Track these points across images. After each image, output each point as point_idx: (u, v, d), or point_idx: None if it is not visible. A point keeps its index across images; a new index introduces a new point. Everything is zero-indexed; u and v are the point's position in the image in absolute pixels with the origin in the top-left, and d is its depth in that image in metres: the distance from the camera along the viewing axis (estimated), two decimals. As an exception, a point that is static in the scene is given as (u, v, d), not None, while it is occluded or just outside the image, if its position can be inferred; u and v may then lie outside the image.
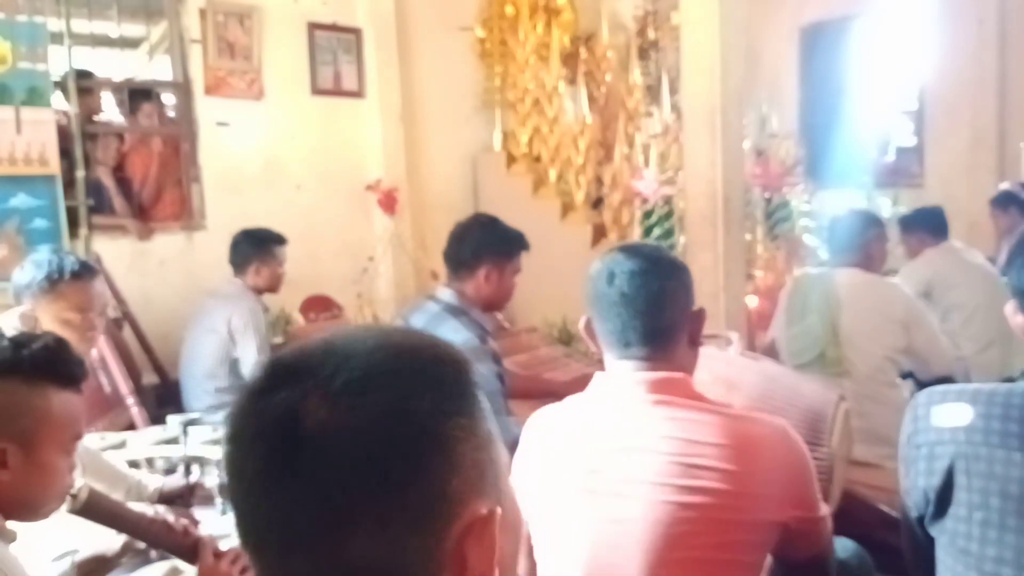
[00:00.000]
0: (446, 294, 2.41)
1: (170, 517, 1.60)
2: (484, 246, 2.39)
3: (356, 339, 0.63)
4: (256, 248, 3.55)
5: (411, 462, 0.58)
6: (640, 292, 1.37)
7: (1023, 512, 1.16)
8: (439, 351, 0.65)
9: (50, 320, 1.94)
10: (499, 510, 0.62)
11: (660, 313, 1.38)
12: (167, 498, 2.02)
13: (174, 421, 2.28)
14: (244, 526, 0.61)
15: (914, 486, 1.29)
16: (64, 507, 1.39)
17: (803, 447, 1.34)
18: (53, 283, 1.98)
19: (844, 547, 1.67)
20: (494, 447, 0.64)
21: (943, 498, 1.24)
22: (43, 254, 2.06)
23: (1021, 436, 1.17)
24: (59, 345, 1.28)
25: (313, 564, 0.57)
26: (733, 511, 1.26)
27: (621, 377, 1.39)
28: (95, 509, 1.49)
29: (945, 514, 1.24)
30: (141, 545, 1.59)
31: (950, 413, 1.25)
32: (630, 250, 1.46)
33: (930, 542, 1.30)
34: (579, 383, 2.86)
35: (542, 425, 1.48)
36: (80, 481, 1.46)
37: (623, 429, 1.33)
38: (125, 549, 1.56)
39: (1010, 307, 1.33)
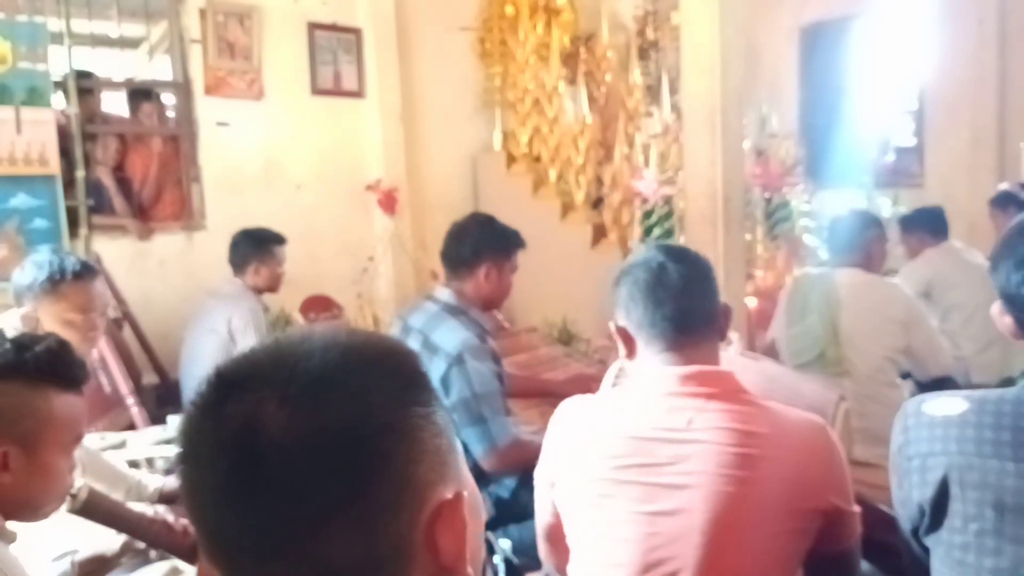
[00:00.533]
0: (444, 294, 2.41)
1: (170, 517, 1.60)
2: (484, 244, 2.39)
3: (303, 342, 0.62)
4: (255, 248, 3.55)
5: (378, 456, 0.59)
6: (696, 276, 1.42)
7: (1020, 522, 1.15)
8: (386, 344, 0.66)
9: (52, 321, 1.94)
10: (465, 493, 0.63)
11: (711, 299, 1.44)
12: (167, 498, 2.02)
13: (174, 421, 2.28)
14: (211, 539, 0.60)
15: (908, 499, 1.28)
16: (64, 507, 1.39)
17: (839, 441, 1.39)
18: (55, 284, 1.97)
19: (861, 567, 1.67)
20: (450, 433, 0.65)
21: (938, 510, 1.22)
22: (43, 255, 2.05)
23: (1014, 445, 1.15)
24: (61, 347, 1.28)
25: (293, 568, 0.58)
26: (784, 499, 1.29)
27: (667, 371, 1.40)
28: (95, 509, 1.49)
29: (940, 526, 1.23)
30: (141, 545, 1.59)
31: (943, 406, 1.25)
32: (667, 246, 1.50)
33: (927, 552, 1.29)
34: (575, 382, 2.87)
35: (573, 418, 1.48)
36: (80, 481, 1.46)
37: (676, 422, 1.34)
38: (125, 549, 1.56)
39: (996, 308, 1.30)
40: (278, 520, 0.57)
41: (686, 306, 1.39)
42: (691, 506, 1.29)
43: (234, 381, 0.60)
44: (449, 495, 0.62)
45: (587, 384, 2.78)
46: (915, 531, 1.29)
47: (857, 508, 1.39)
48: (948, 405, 1.25)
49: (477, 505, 0.68)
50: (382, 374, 0.62)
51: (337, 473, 0.57)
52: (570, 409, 1.50)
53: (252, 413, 0.57)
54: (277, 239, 3.61)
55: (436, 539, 0.61)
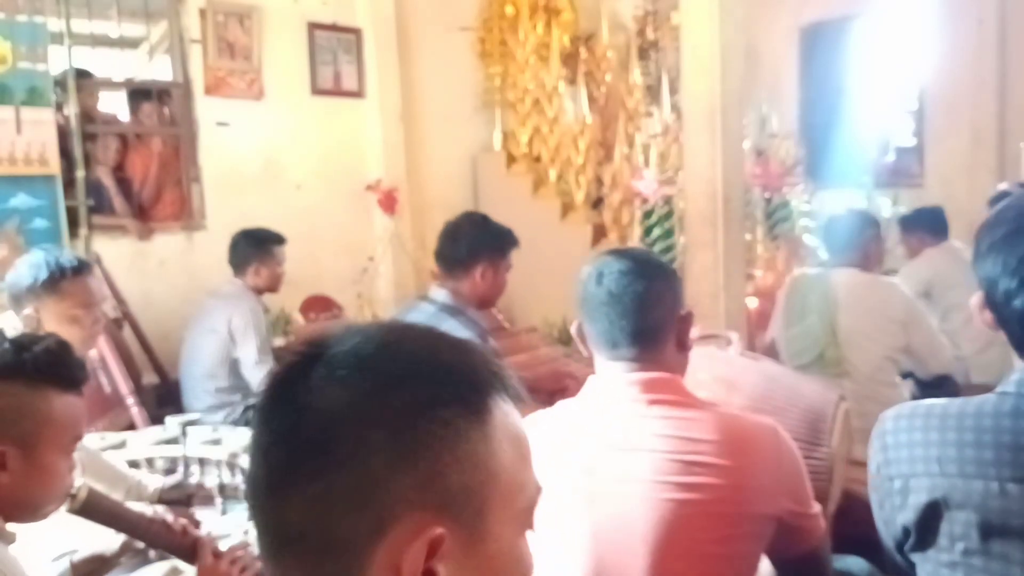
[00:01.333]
0: (440, 294, 2.42)
1: (169, 517, 1.59)
2: (479, 244, 2.41)
3: (374, 326, 0.67)
4: (255, 248, 3.55)
5: (356, 443, 0.59)
6: (626, 291, 1.38)
7: (1007, 541, 1.13)
8: (453, 345, 0.66)
9: (56, 319, 1.93)
10: (470, 539, 0.60)
11: (646, 313, 1.38)
12: (167, 498, 2.02)
13: (173, 422, 2.28)
14: (246, 484, 0.66)
15: (891, 520, 1.25)
16: (63, 507, 1.39)
17: (792, 444, 1.37)
18: (56, 282, 1.97)
19: (860, 566, 1.67)
20: (486, 474, 0.61)
21: (924, 531, 1.20)
22: (36, 256, 2.03)
23: (997, 463, 1.12)
24: (61, 348, 1.28)
25: (264, 515, 0.62)
26: (730, 504, 1.28)
27: (613, 379, 1.40)
28: (94, 509, 1.49)
29: (927, 546, 1.21)
30: (140, 545, 1.58)
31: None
32: (619, 252, 1.48)
33: (912, 565, 1.27)
34: (549, 378, 2.88)
35: (536, 430, 1.49)
36: (79, 480, 1.45)
37: (619, 429, 1.34)
38: (124, 549, 1.55)
39: (977, 300, 1.22)
40: (281, 466, 0.61)
41: (620, 319, 1.38)
42: (633, 515, 1.29)
43: (310, 345, 0.64)
44: (439, 530, 0.58)
45: (560, 379, 2.82)
46: (900, 547, 1.27)
47: (817, 508, 1.38)
48: (927, 406, 1.22)
49: (521, 568, 0.66)
50: (430, 375, 0.61)
51: (319, 445, 0.59)
52: (531, 423, 1.51)
53: (303, 374, 0.62)
54: (277, 239, 3.61)
55: (400, 564, 0.57)
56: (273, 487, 0.61)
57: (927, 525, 1.19)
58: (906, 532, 1.23)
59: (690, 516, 1.27)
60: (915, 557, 1.24)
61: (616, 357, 1.40)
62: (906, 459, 1.20)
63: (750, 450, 1.31)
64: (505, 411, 0.65)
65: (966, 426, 1.16)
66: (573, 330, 1.50)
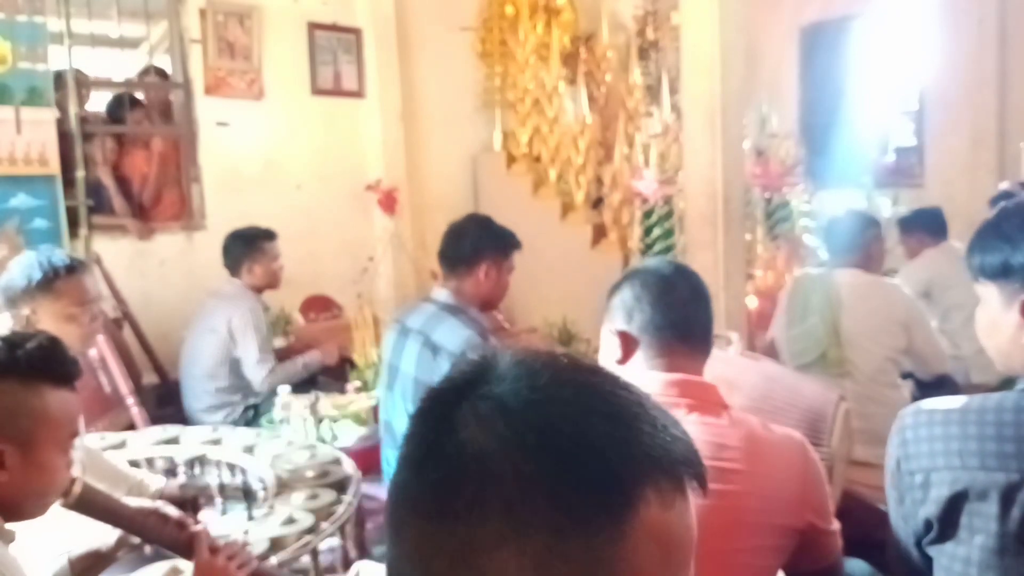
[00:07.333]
0: (442, 294, 2.43)
1: (169, 509, 1.57)
2: (483, 243, 2.43)
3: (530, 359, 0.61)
4: (244, 247, 3.53)
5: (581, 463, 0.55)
6: (701, 293, 1.44)
7: None
8: (631, 423, 0.60)
9: (53, 319, 1.93)
10: None
11: (711, 316, 1.45)
12: (167, 500, 2.01)
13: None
14: None
15: (911, 515, 1.26)
16: (58, 502, 1.38)
17: (818, 459, 1.37)
18: (50, 282, 1.97)
19: (861, 569, 1.67)
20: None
21: (945, 523, 1.21)
22: (28, 257, 2.03)
23: (1018, 456, 1.14)
24: (53, 344, 1.27)
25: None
26: (757, 514, 1.28)
27: (655, 379, 1.39)
28: (88, 504, 1.48)
29: (946, 538, 1.22)
30: (136, 540, 1.56)
31: (942, 403, 1.23)
32: (672, 261, 1.53)
33: (927, 564, 1.28)
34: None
35: None
36: (74, 475, 1.44)
37: None
38: (120, 544, 1.53)
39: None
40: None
41: (691, 317, 1.41)
42: None
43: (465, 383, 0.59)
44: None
45: None
46: (917, 542, 1.27)
47: (837, 525, 1.38)
48: (947, 402, 1.23)
49: None
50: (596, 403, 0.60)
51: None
52: None
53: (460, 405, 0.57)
54: (266, 235, 3.58)
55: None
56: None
57: (949, 518, 1.20)
58: (928, 525, 1.24)
59: (716, 522, 1.27)
60: (932, 550, 1.25)
61: (667, 353, 1.40)
62: (926, 453, 1.21)
63: (778, 461, 1.32)
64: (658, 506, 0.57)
65: (987, 420, 1.17)
66: (611, 332, 1.45)
